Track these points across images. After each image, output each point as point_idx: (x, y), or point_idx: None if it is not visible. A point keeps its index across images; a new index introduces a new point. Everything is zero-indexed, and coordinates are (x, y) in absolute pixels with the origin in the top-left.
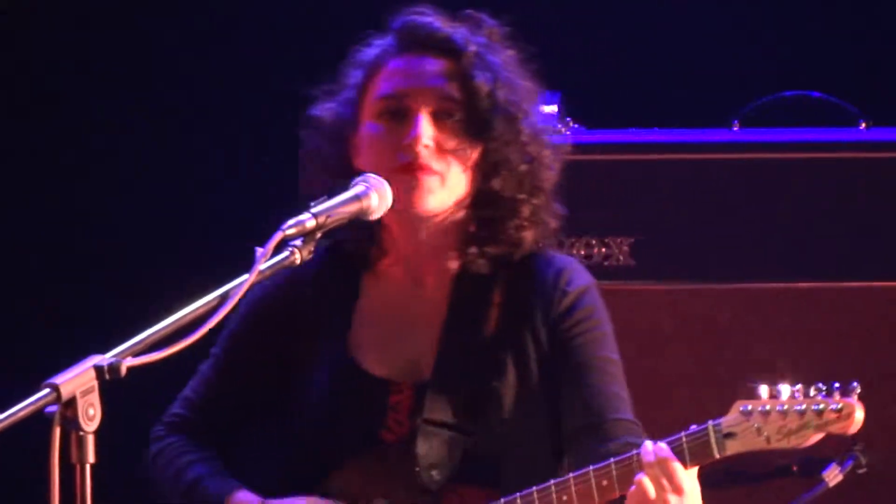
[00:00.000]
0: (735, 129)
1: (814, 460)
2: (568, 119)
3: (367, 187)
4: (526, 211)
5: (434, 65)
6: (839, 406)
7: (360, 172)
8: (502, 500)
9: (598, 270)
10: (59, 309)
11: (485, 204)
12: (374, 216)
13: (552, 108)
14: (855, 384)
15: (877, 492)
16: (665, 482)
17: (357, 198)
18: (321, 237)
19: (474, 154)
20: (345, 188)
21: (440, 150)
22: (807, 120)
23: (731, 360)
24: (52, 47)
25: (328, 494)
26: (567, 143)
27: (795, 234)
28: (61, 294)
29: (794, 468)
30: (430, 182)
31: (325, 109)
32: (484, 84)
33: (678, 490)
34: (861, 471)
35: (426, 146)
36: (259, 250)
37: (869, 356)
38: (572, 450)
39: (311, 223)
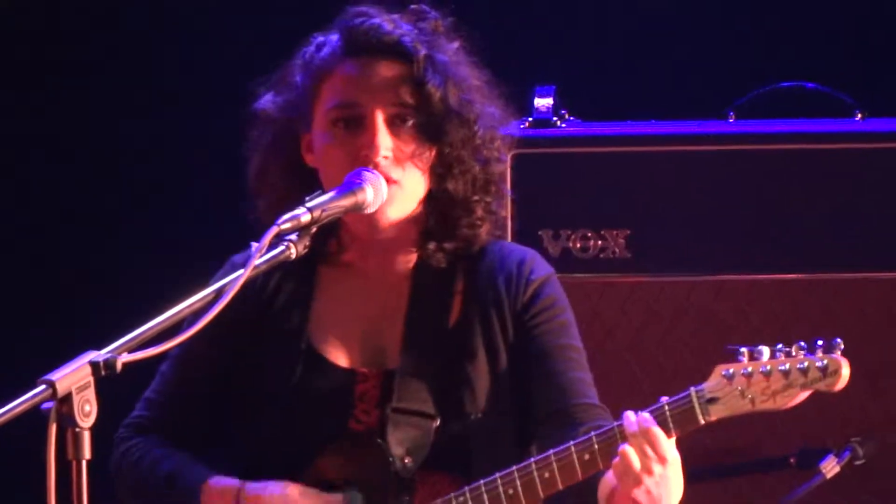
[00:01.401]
0: (731, 120)
1: (811, 452)
2: (563, 112)
3: (362, 181)
4: (479, 210)
5: (386, 71)
6: (824, 363)
7: (312, 170)
8: (482, 482)
9: (595, 263)
10: (54, 307)
11: (440, 203)
12: (370, 210)
13: (548, 102)
14: (838, 340)
15: (874, 483)
16: (649, 451)
17: (352, 192)
18: (316, 231)
19: (429, 156)
20: (302, 184)
21: (396, 157)
22: (802, 111)
23: (729, 352)
24: (52, 46)
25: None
26: (516, 133)
27: (792, 225)
28: (57, 292)
29: (792, 460)
30: (391, 193)
31: (271, 104)
32: (436, 88)
33: (662, 459)
34: (859, 462)
35: (385, 157)
36: (254, 245)
37: (867, 347)
38: (541, 435)
39: (306, 217)
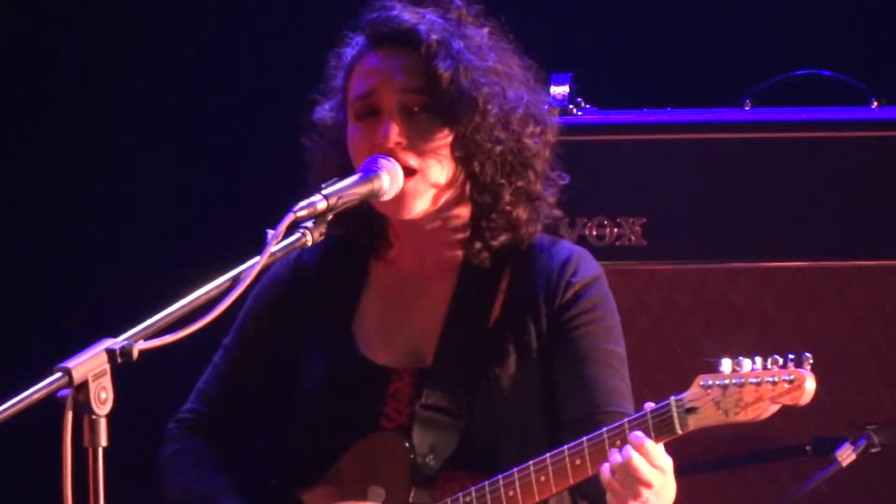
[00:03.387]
0: (746, 108)
1: (827, 440)
2: (579, 100)
3: (378, 168)
4: (507, 195)
5: (398, 59)
6: (791, 377)
7: None
8: (486, 483)
9: (611, 251)
10: (71, 294)
11: (472, 190)
12: (386, 197)
13: (564, 89)
14: (807, 354)
15: (890, 471)
16: (645, 466)
17: (368, 179)
18: (332, 219)
19: (446, 142)
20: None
21: (412, 144)
22: (818, 99)
23: (745, 338)
24: (51, 46)
25: (326, 481)
26: (556, 118)
27: (807, 212)
28: (73, 279)
29: (808, 448)
30: (411, 185)
31: (322, 113)
32: (444, 71)
33: (661, 469)
34: (874, 450)
35: (397, 143)
36: (270, 232)
37: (882, 334)
38: (567, 441)
39: (322, 205)
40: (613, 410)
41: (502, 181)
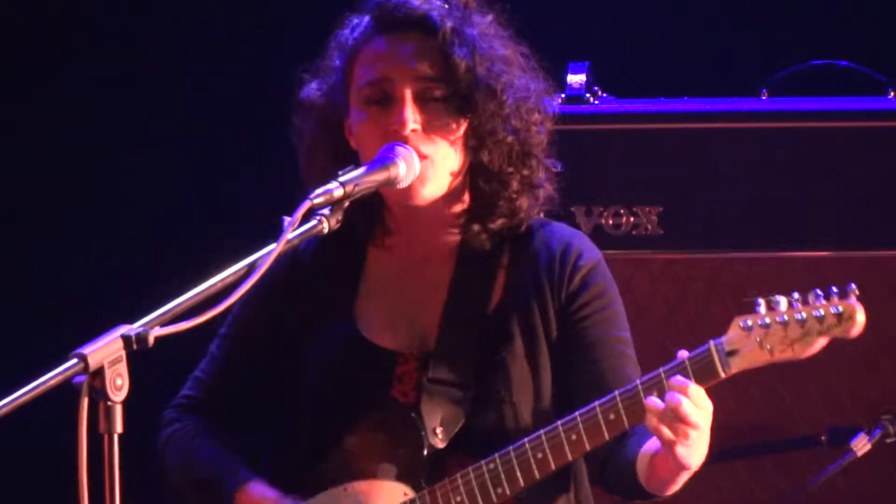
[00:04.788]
0: (763, 98)
1: (842, 430)
2: (596, 88)
3: (395, 156)
4: (515, 183)
5: (411, 45)
6: (840, 309)
7: (357, 154)
8: (510, 447)
9: (627, 240)
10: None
11: (477, 176)
12: (402, 185)
13: (581, 78)
14: (852, 286)
15: None
16: (691, 408)
17: (385, 167)
18: (348, 206)
19: (460, 130)
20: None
21: (426, 131)
22: (835, 89)
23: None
24: (51, 45)
25: (335, 463)
26: (557, 106)
27: (824, 202)
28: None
29: (823, 438)
30: (425, 172)
31: (314, 92)
32: (462, 60)
33: (706, 410)
34: (890, 440)
35: (413, 130)
36: (287, 219)
37: None
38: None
39: (338, 192)
40: None
41: (510, 170)
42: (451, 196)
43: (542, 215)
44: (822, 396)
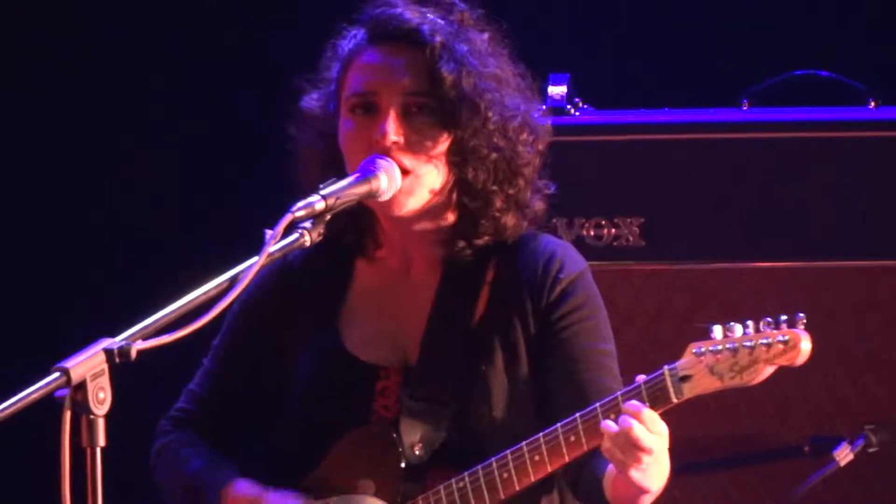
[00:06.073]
0: (744, 108)
1: (825, 440)
2: (577, 100)
3: (376, 169)
4: (498, 202)
5: (400, 58)
6: (786, 338)
7: None
8: (479, 466)
9: (609, 251)
10: (69, 294)
11: (461, 194)
12: (384, 198)
13: (562, 89)
14: (801, 315)
15: (888, 471)
16: (644, 433)
17: (366, 179)
18: (330, 219)
19: (444, 145)
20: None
21: (409, 144)
22: (816, 99)
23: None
24: (51, 44)
25: (315, 478)
26: (549, 124)
27: (806, 213)
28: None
29: (806, 448)
30: (405, 184)
31: (311, 102)
32: (448, 74)
33: (660, 435)
34: (872, 450)
35: (395, 142)
36: (268, 232)
37: (880, 334)
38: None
39: (320, 205)
40: None
41: (494, 188)
42: (437, 211)
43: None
44: (804, 406)
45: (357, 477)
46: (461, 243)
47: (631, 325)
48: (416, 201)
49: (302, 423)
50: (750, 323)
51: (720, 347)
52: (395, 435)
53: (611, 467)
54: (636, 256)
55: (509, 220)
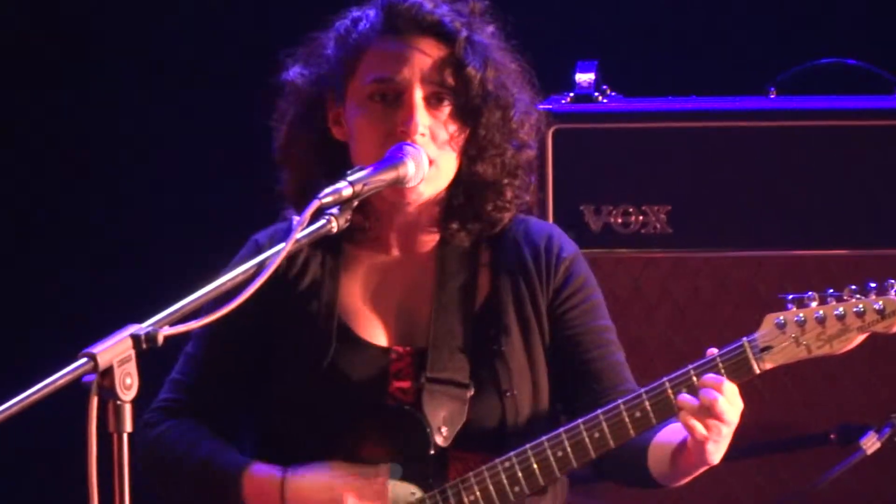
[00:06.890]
0: (771, 96)
1: (852, 428)
2: (605, 87)
3: (404, 155)
4: (508, 194)
5: (427, 50)
6: (881, 305)
7: (338, 143)
8: (528, 446)
9: (636, 238)
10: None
11: (467, 185)
12: (411, 184)
13: (589, 77)
14: (892, 281)
15: None
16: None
17: (394, 166)
18: (357, 205)
19: (463, 138)
20: (328, 157)
21: (433, 136)
22: (843, 87)
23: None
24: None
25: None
26: (546, 114)
27: (833, 201)
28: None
29: (832, 436)
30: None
31: (300, 77)
32: (476, 71)
33: (738, 407)
34: None
35: (422, 135)
36: (295, 219)
37: None
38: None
39: (347, 191)
40: (625, 387)
41: (506, 181)
42: (440, 200)
43: None
44: (831, 394)
45: (380, 460)
46: (454, 225)
47: (657, 312)
48: (432, 189)
49: (316, 409)
50: (831, 291)
51: (804, 318)
52: (420, 419)
53: (661, 438)
54: (663, 244)
55: (509, 214)
